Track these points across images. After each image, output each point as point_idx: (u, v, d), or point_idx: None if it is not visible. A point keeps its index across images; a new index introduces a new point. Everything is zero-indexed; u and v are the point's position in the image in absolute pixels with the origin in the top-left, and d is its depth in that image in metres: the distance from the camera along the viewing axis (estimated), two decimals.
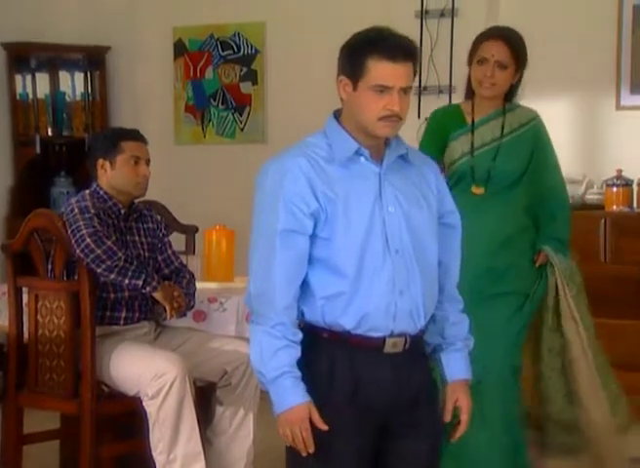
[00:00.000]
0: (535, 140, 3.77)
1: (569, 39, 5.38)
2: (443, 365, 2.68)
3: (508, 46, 3.66)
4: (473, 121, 3.75)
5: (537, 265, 3.75)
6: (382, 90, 2.47)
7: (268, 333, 2.47)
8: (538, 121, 3.81)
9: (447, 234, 2.67)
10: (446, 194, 2.69)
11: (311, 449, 2.47)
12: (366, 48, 2.48)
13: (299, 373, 2.48)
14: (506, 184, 3.73)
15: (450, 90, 5.57)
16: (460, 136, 3.75)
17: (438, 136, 3.77)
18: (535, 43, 5.47)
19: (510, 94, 3.76)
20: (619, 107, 5.40)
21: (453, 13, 5.53)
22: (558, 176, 3.86)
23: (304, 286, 2.51)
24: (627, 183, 5.16)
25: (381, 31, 2.52)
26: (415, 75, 2.53)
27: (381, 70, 2.46)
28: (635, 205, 5.17)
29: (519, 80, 3.75)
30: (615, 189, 5.13)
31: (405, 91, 2.50)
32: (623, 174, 5.15)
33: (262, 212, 2.52)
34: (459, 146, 3.74)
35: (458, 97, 5.43)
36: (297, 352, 2.49)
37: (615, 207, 5.12)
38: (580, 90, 5.49)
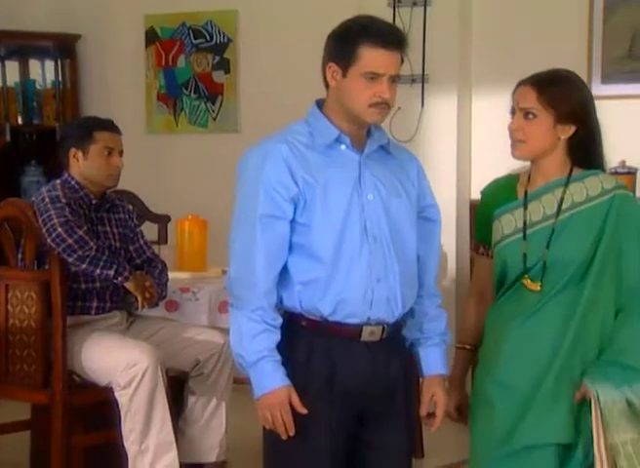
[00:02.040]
0: (608, 220, 2.71)
1: (540, 29, 5.38)
2: (420, 359, 2.69)
3: (536, 89, 2.70)
4: (526, 194, 2.78)
5: (575, 401, 2.66)
6: (373, 77, 2.49)
7: (248, 317, 2.49)
8: (618, 195, 2.73)
9: (426, 228, 2.68)
10: (427, 188, 2.71)
11: (292, 432, 2.49)
12: (358, 35, 2.48)
13: (279, 357, 2.49)
14: (568, 278, 2.70)
15: (423, 79, 5.55)
16: (503, 213, 2.79)
17: (485, 218, 2.81)
18: (506, 33, 5.55)
19: (581, 155, 2.75)
20: None
21: (425, 2, 5.51)
22: None
23: (283, 271, 2.52)
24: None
25: (373, 19, 2.53)
26: (402, 64, 2.54)
27: (373, 58, 2.47)
28: None
29: (586, 136, 2.73)
30: None
31: (394, 79, 2.51)
32: None
33: (244, 197, 2.53)
34: (499, 227, 2.79)
35: (430, 87, 5.47)
36: (276, 336, 2.50)
37: None
38: None
